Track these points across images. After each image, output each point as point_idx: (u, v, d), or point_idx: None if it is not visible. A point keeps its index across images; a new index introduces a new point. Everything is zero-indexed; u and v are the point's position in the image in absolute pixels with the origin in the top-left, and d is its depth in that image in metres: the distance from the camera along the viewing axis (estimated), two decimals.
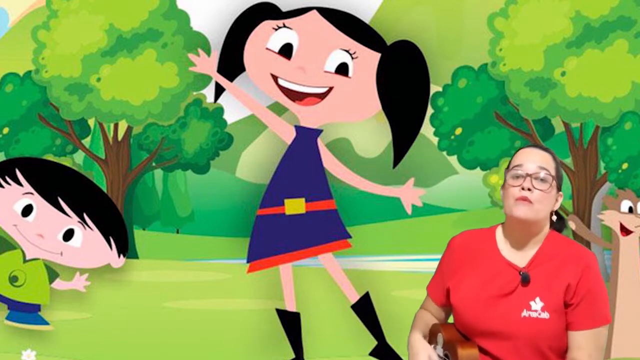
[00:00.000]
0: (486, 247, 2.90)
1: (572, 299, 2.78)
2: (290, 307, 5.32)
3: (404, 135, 5.19)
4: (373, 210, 8.59)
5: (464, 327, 2.89)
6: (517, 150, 2.92)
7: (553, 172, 2.83)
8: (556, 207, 2.87)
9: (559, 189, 2.86)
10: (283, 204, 5.17)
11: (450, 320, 3.05)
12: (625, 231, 6.10)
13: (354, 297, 5.28)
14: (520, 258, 2.85)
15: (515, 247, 2.86)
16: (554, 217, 2.87)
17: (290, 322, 5.32)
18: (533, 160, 2.83)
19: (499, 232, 2.93)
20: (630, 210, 6.16)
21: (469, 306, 2.85)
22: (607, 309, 2.82)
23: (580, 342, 2.78)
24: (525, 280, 2.79)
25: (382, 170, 5.42)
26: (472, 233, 2.99)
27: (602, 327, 2.79)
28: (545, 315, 2.77)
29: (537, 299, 2.78)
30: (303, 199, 5.18)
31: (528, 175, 2.80)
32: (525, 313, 2.77)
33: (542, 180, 2.80)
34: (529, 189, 2.79)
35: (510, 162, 2.89)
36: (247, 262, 5.23)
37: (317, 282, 5.60)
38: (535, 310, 2.77)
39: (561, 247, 2.85)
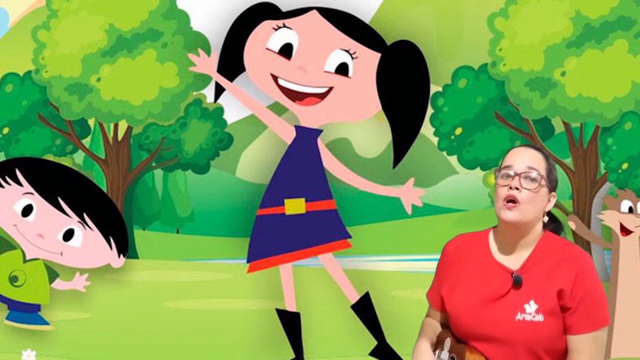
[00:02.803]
0: (478, 251, 2.86)
1: (569, 302, 2.73)
2: (290, 307, 5.32)
3: (404, 135, 5.19)
4: (373, 210, 8.60)
5: (459, 332, 2.84)
6: (509, 150, 2.87)
7: (543, 172, 2.78)
8: (548, 208, 2.82)
9: (552, 189, 2.81)
10: (283, 204, 5.17)
11: None
12: (625, 231, 6.09)
13: (354, 297, 5.27)
14: (513, 261, 2.80)
15: (507, 249, 2.81)
16: (545, 218, 2.82)
17: (290, 322, 5.32)
18: (523, 160, 2.79)
19: (491, 235, 2.88)
20: (630, 210, 6.15)
21: (462, 311, 2.81)
22: (606, 310, 2.78)
23: (582, 346, 2.73)
24: (517, 283, 2.75)
25: (382, 170, 5.42)
26: (465, 237, 2.94)
27: (601, 330, 2.75)
28: (539, 318, 2.72)
29: (532, 302, 2.73)
30: (303, 199, 5.17)
31: (517, 174, 2.76)
32: (519, 316, 2.73)
33: (532, 179, 2.76)
34: (516, 189, 2.74)
35: (501, 162, 2.85)
36: (247, 262, 5.23)
37: (317, 282, 5.59)
38: (530, 313, 2.72)
39: (555, 249, 2.79)
